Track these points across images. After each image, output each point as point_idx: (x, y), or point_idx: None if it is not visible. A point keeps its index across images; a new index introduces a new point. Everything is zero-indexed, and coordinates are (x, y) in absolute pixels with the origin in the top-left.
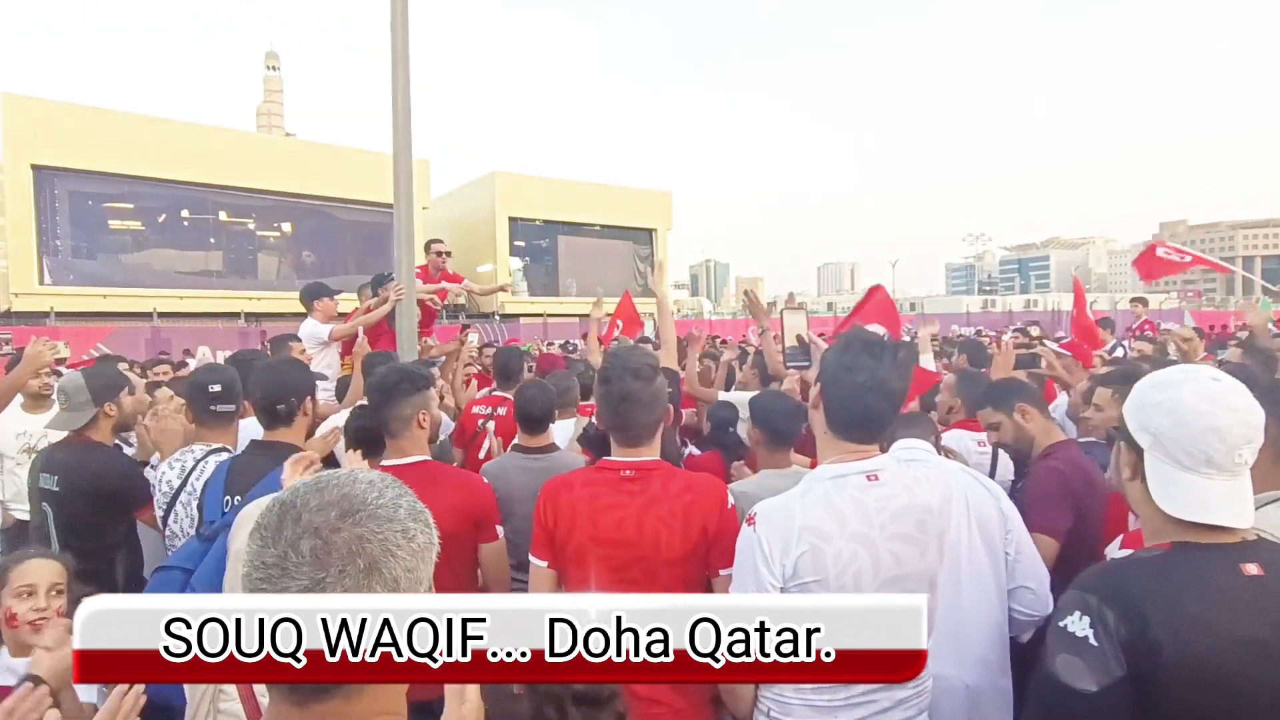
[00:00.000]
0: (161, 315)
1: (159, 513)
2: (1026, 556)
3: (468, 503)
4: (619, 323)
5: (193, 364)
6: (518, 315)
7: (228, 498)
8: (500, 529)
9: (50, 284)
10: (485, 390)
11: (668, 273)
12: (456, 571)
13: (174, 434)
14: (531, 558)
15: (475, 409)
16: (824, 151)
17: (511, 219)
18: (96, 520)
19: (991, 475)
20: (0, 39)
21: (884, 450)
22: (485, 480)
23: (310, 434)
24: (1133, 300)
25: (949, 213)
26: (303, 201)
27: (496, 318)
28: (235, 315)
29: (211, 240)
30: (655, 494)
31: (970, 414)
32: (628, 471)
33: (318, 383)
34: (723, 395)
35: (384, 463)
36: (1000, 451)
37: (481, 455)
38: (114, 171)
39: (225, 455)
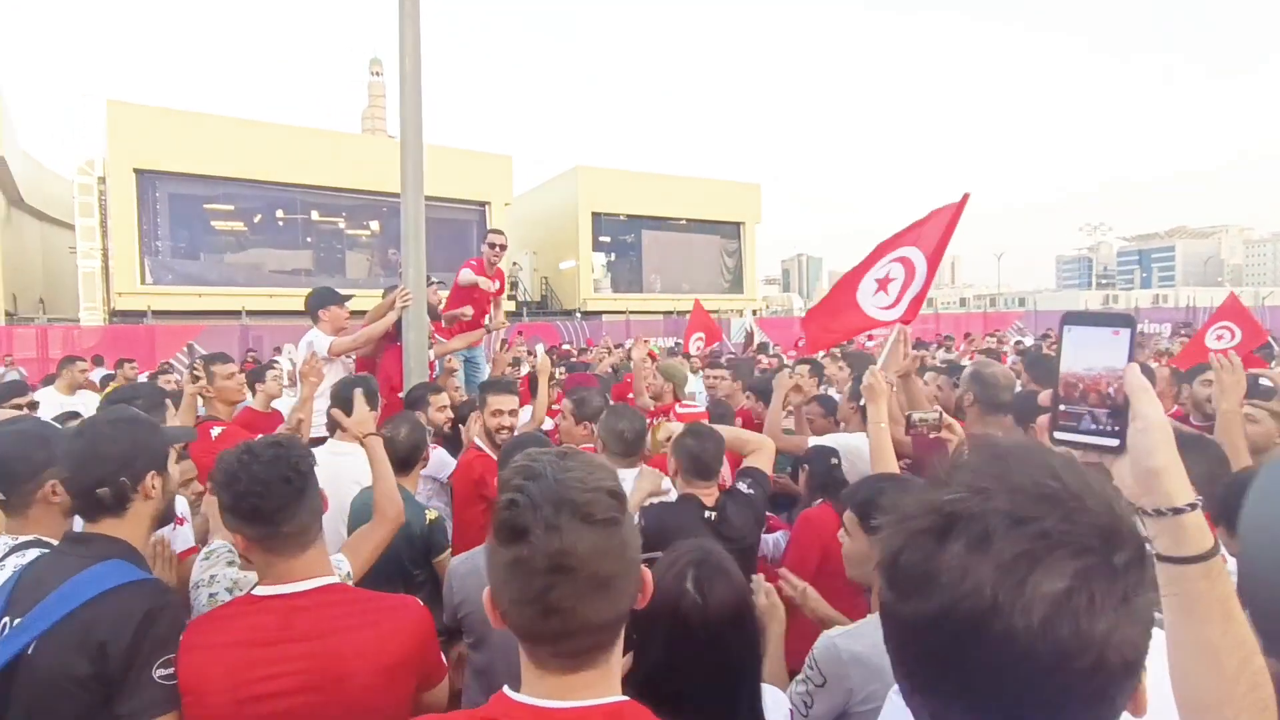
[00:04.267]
0: (250, 314)
1: None
2: None
3: (405, 642)
4: (699, 334)
5: (282, 360)
6: (600, 312)
7: (5, 620)
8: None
9: (151, 284)
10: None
11: None
12: None
13: None
14: None
15: None
16: (919, 140)
17: (595, 214)
18: None
19: None
20: (106, 49)
21: None
22: (451, 584)
23: (158, 521)
24: None
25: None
26: (391, 200)
27: (578, 315)
28: None
29: (308, 240)
30: None
31: None
32: None
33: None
34: (822, 440)
35: (278, 589)
36: None
37: None
38: (210, 173)
39: (36, 553)
